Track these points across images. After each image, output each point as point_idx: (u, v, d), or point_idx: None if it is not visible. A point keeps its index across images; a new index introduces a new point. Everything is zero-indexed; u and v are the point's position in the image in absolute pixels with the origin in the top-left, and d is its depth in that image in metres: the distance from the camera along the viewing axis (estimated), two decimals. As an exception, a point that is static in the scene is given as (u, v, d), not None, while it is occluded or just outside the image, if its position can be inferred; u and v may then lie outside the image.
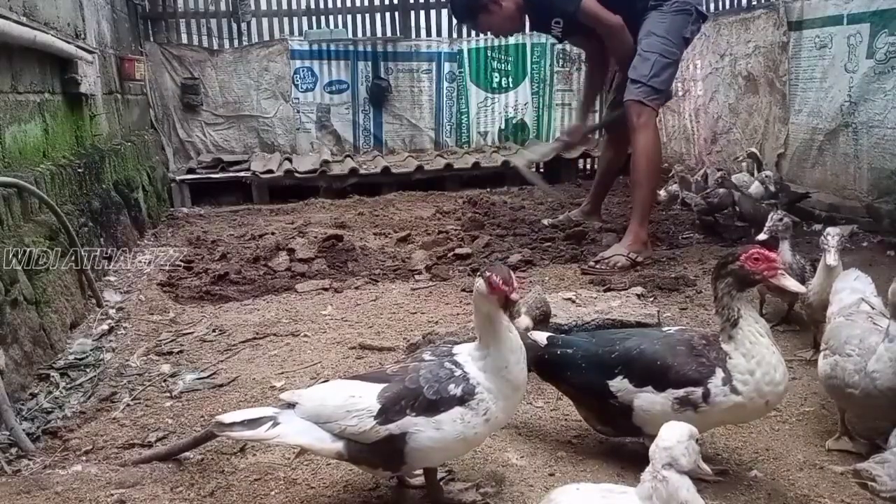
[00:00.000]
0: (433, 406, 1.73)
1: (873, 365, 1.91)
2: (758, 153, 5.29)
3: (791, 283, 1.88)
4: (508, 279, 1.69)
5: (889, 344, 1.90)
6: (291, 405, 1.81)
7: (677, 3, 4.17)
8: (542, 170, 7.93)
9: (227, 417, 1.81)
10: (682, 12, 4.17)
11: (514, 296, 1.70)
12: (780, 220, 2.90)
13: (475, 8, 4.45)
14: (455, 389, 1.74)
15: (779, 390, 1.85)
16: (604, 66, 4.95)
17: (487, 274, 1.71)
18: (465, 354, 1.82)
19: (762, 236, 2.87)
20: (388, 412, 1.73)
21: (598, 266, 3.98)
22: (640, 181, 4.25)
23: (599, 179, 5.31)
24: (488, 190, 6.83)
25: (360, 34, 8.01)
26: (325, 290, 3.86)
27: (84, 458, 2.23)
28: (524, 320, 1.70)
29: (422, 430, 1.72)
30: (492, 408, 1.76)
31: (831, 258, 2.45)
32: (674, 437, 1.41)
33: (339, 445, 1.76)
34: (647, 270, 3.96)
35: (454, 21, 7.94)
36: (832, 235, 2.50)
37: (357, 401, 1.76)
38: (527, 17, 4.61)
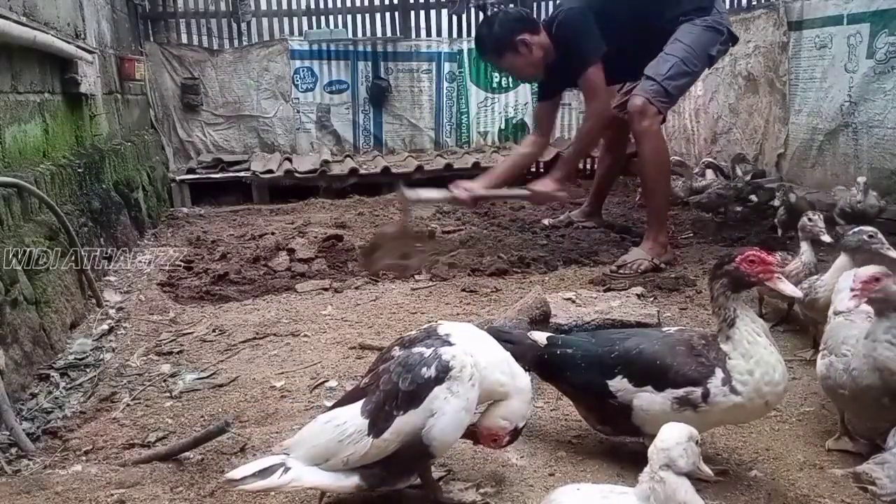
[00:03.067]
0: (414, 396, 1.70)
1: (854, 363, 1.92)
2: (745, 154, 5.30)
3: (787, 287, 1.87)
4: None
5: (865, 341, 1.90)
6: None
7: (709, 20, 4.01)
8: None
9: (237, 473, 1.71)
10: (712, 29, 4.02)
11: None
12: (819, 220, 2.81)
13: (505, 46, 4.17)
14: (428, 371, 1.71)
15: (778, 390, 1.84)
16: (550, 133, 4.85)
17: None
18: (457, 334, 1.82)
19: (825, 238, 2.76)
20: (377, 423, 1.70)
21: (620, 271, 3.90)
22: (651, 189, 4.14)
23: (599, 182, 5.24)
24: (488, 190, 6.82)
25: (360, 34, 8.00)
26: (325, 290, 3.86)
27: (84, 458, 2.23)
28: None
29: (431, 425, 1.70)
30: (475, 373, 1.75)
31: None
32: (672, 439, 1.40)
33: (355, 479, 1.73)
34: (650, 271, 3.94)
35: (454, 21, 7.96)
36: (880, 234, 2.44)
37: (346, 427, 1.72)
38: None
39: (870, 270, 1.91)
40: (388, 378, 1.74)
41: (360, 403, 1.75)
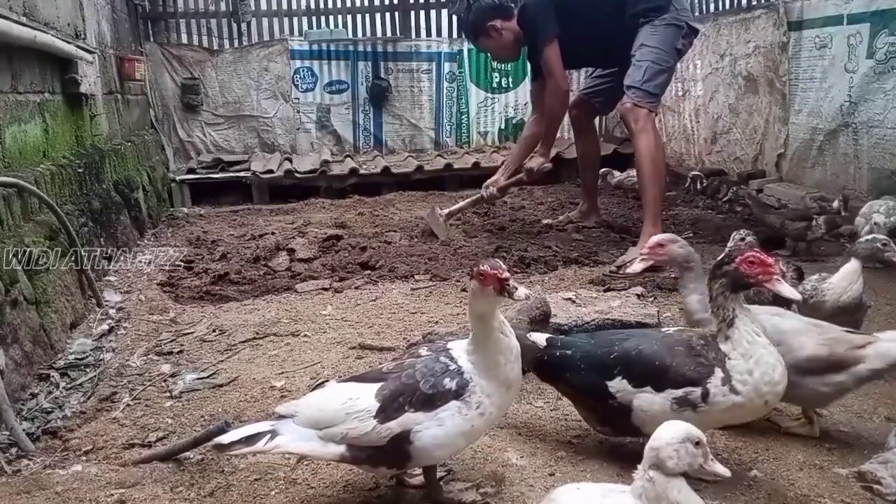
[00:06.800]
0: (430, 400, 1.74)
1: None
2: (702, 175, 5.65)
3: (785, 289, 1.87)
4: (495, 265, 1.73)
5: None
6: (288, 416, 1.80)
7: (667, 18, 4.27)
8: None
9: (226, 438, 1.78)
10: (672, 26, 4.29)
11: (505, 275, 1.72)
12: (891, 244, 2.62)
13: (478, 30, 4.72)
14: (450, 383, 1.75)
15: (778, 390, 1.84)
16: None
17: (475, 270, 1.76)
18: (459, 349, 1.84)
19: None
20: (387, 410, 1.73)
21: (619, 272, 3.91)
22: (645, 183, 4.25)
23: (583, 176, 5.37)
24: (488, 190, 6.82)
25: (360, 34, 8.02)
26: (325, 290, 3.86)
27: (84, 458, 2.23)
28: (522, 291, 1.73)
29: (426, 427, 1.72)
30: (485, 402, 1.77)
31: None
32: (664, 439, 1.39)
33: (340, 448, 1.76)
34: (646, 270, 3.94)
35: (454, 21, 7.96)
36: (892, 243, 2.47)
37: (356, 402, 1.76)
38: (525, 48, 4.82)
39: (656, 238, 2.27)
40: (411, 373, 1.78)
41: (377, 386, 1.78)
